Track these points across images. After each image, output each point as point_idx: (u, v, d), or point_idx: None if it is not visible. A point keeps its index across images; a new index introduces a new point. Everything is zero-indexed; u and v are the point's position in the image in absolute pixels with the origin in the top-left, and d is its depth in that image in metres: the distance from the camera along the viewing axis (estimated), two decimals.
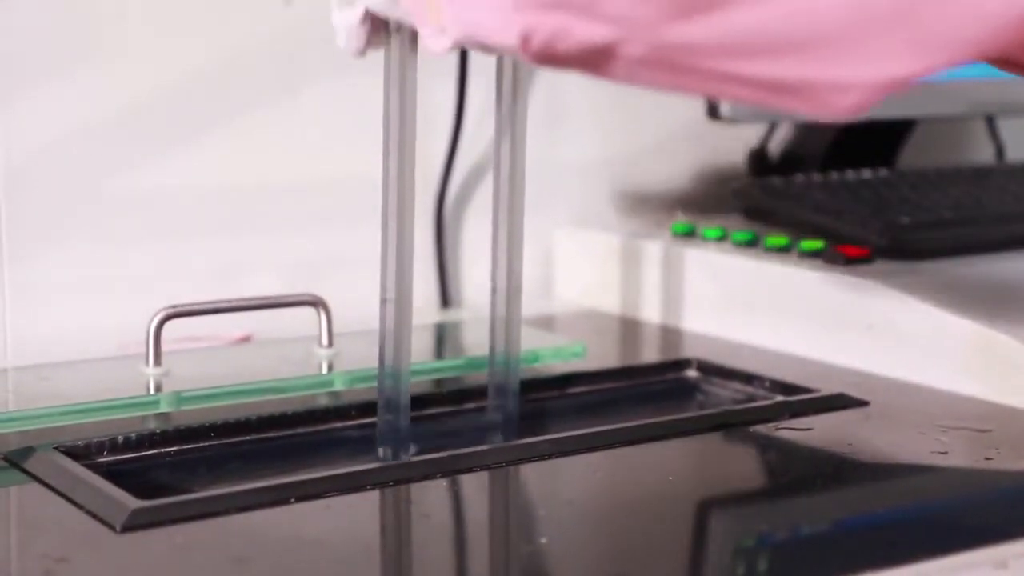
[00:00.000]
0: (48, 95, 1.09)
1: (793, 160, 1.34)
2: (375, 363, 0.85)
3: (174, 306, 0.96)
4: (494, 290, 0.90)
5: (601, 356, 1.08)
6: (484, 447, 0.87)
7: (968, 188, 1.23)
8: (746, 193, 1.24)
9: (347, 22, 0.80)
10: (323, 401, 0.96)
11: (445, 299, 1.25)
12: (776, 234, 1.15)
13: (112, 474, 0.82)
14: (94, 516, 0.75)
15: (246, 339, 1.10)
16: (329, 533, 0.75)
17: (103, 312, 1.10)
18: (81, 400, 0.91)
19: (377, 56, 0.81)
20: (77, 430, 0.88)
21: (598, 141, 1.32)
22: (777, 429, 0.91)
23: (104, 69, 1.10)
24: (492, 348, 0.91)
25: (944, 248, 1.12)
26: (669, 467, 0.87)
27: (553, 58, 0.65)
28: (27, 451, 0.84)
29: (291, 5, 1.14)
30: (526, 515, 0.81)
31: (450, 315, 1.23)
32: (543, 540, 0.76)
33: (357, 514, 0.78)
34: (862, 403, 0.95)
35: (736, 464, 0.89)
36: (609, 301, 1.22)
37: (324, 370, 1.00)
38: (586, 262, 1.25)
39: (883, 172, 1.27)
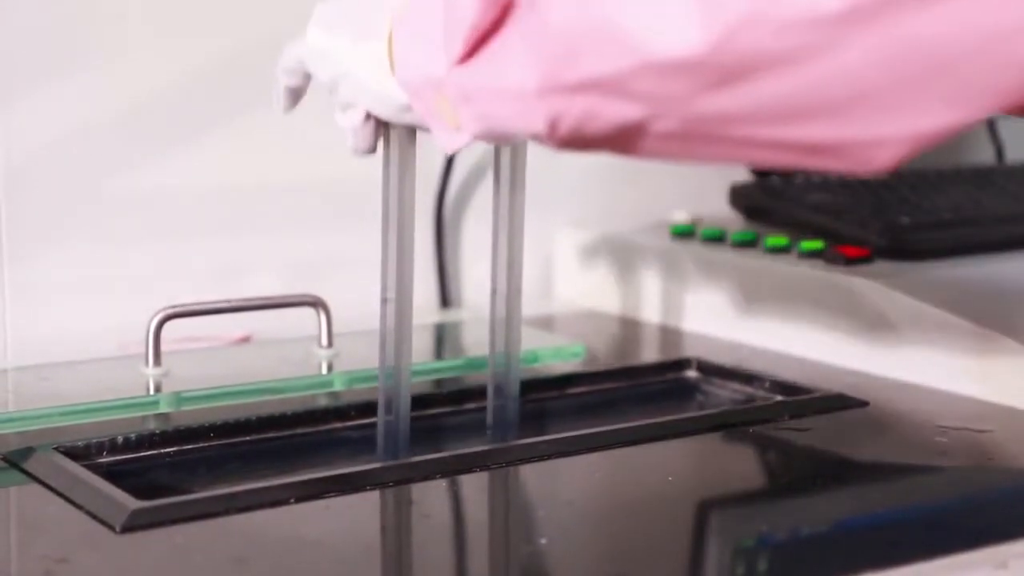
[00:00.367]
0: (48, 95, 1.08)
1: None
2: (375, 363, 0.85)
3: (174, 306, 0.96)
4: (494, 291, 0.90)
5: (601, 356, 1.08)
6: (484, 447, 0.87)
7: (968, 188, 1.23)
8: (746, 193, 1.24)
9: (351, 123, 0.80)
10: (323, 401, 0.95)
11: (445, 299, 1.25)
12: (776, 234, 1.15)
13: (112, 474, 0.82)
14: (94, 517, 0.75)
15: (246, 339, 1.10)
16: (329, 533, 0.75)
17: (103, 312, 1.10)
18: (81, 400, 0.91)
19: None
20: (77, 430, 0.88)
21: None
22: (777, 429, 0.91)
23: (104, 69, 1.10)
24: (492, 349, 0.91)
25: (944, 248, 1.12)
26: (669, 467, 0.87)
27: (581, 141, 0.64)
28: (27, 451, 0.84)
29: None
30: (526, 515, 0.81)
31: (450, 315, 1.23)
32: (543, 540, 0.76)
33: (357, 514, 0.78)
34: (862, 403, 0.95)
35: (736, 464, 0.89)
36: (609, 302, 1.22)
37: (324, 370, 1.00)
38: (586, 263, 1.25)
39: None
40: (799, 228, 1.15)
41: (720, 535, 0.78)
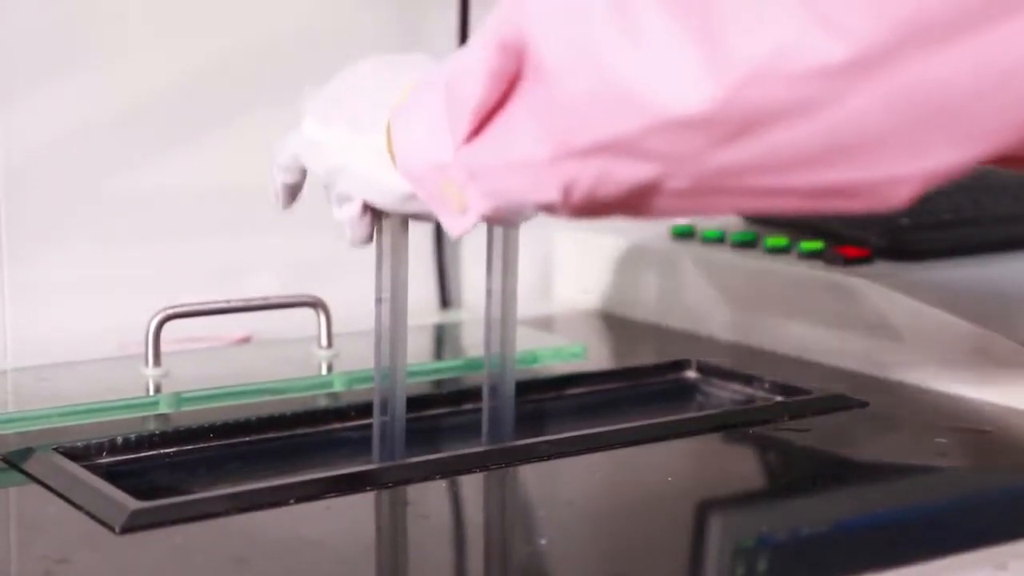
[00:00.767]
0: (48, 95, 1.08)
1: None
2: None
3: (174, 306, 0.96)
4: (489, 292, 0.90)
5: (601, 357, 1.08)
6: (483, 448, 0.87)
7: (968, 189, 1.22)
8: None
9: (349, 215, 0.79)
10: (323, 402, 0.95)
11: (444, 300, 1.25)
12: (776, 235, 1.15)
13: (112, 475, 0.82)
14: (94, 517, 0.75)
15: (246, 340, 1.10)
16: (328, 534, 0.75)
17: (103, 312, 1.10)
18: (80, 401, 0.91)
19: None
20: (77, 431, 0.88)
21: None
22: (777, 430, 0.91)
23: (104, 69, 1.10)
24: (487, 350, 0.90)
25: (944, 249, 1.12)
26: (669, 468, 0.87)
27: (595, 206, 0.63)
28: (26, 452, 0.84)
29: None
30: (525, 516, 0.81)
31: (449, 316, 1.23)
32: (542, 541, 0.76)
33: (356, 515, 0.78)
34: (861, 404, 0.95)
35: (736, 465, 0.89)
36: (609, 302, 1.22)
37: (324, 371, 1.00)
38: (586, 263, 1.25)
39: None
40: (799, 228, 1.15)
41: (720, 536, 0.78)
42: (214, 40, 1.14)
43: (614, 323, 1.20)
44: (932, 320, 0.99)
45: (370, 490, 0.80)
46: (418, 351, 0.91)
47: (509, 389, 0.90)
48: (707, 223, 1.21)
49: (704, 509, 0.81)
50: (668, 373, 1.06)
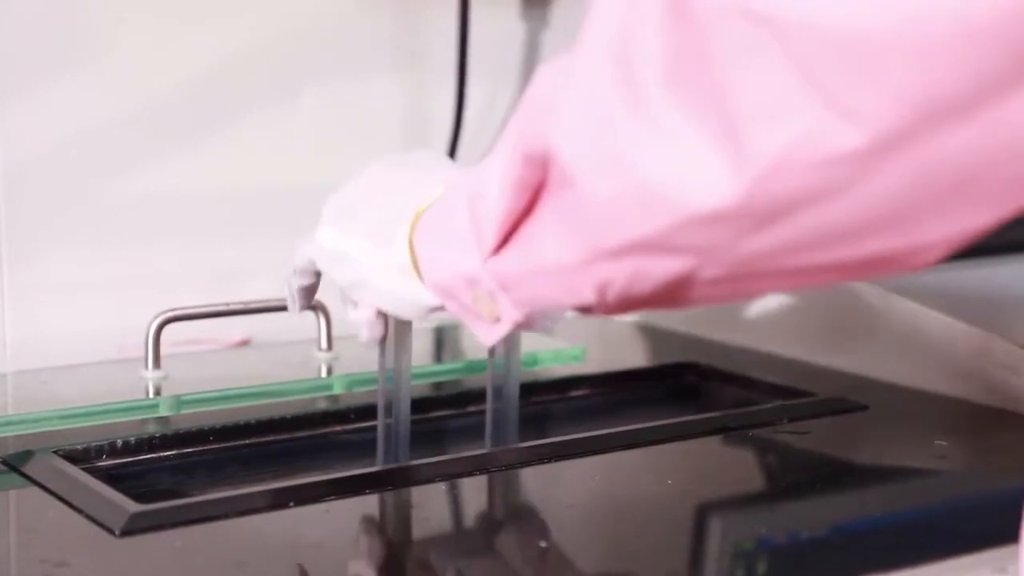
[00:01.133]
0: (48, 96, 1.08)
1: None
2: (375, 366, 0.85)
3: (173, 309, 0.96)
4: None
5: (601, 360, 1.08)
6: (484, 450, 0.87)
7: None
8: None
9: (364, 317, 0.80)
10: (322, 405, 0.96)
11: None
12: None
13: (111, 478, 0.82)
14: (93, 520, 0.75)
15: (245, 343, 1.10)
16: (328, 537, 0.75)
17: (102, 315, 1.10)
18: (80, 404, 0.91)
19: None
20: (76, 434, 0.88)
21: None
22: (776, 433, 0.91)
23: (105, 71, 1.10)
24: (491, 352, 0.90)
25: None
26: (669, 471, 0.87)
27: (630, 302, 0.64)
28: (26, 455, 0.84)
29: None
30: (526, 518, 0.81)
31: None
32: (543, 543, 0.76)
33: (357, 518, 0.78)
34: (861, 407, 0.95)
35: (735, 468, 0.89)
36: None
37: (323, 374, 1.00)
38: None
39: None
40: None
41: (720, 538, 0.78)
42: (214, 42, 1.14)
43: (614, 326, 1.20)
44: (932, 323, 0.99)
45: (370, 493, 0.80)
46: (419, 354, 0.91)
47: (513, 392, 0.90)
48: None
49: (704, 511, 0.81)
50: (668, 376, 1.06)
